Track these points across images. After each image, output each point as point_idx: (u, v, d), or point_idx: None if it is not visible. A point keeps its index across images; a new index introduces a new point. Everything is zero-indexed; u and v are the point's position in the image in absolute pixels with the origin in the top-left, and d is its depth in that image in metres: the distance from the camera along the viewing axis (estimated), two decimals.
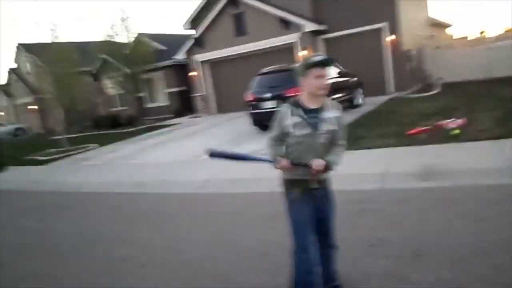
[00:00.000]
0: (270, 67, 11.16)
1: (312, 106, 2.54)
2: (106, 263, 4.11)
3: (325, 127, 2.52)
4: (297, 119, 2.51)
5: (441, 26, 21.85)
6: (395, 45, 14.39)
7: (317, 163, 2.47)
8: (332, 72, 11.61)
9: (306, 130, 2.50)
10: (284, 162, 2.51)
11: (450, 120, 7.94)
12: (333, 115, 2.56)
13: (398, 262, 3.19)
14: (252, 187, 5.95)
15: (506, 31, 35.63)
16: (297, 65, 2.55)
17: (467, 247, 3.24)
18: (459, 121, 7.75)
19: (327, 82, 2.50)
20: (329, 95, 2.50)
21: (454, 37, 23.29)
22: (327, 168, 2.52)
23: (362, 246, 3.56)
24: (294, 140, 2.56)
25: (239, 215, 4.88)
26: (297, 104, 2.55)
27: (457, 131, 7.15)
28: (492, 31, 44.35)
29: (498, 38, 17.99)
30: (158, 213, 5.60)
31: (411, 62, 14.85)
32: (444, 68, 16.60)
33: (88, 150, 13.18)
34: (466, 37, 20.31)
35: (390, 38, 14.33)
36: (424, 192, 4.75)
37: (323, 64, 2.48)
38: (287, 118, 2.52)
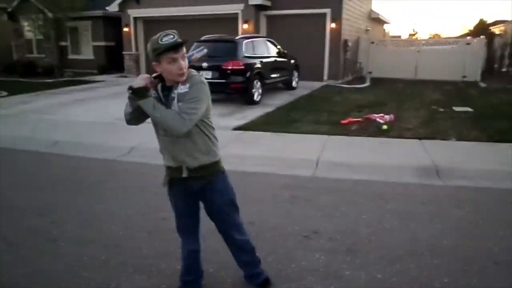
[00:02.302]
0: (209, 36, 10.66)
1: (170, 83, 2.20)
2: (10, 235, 3.58)
3: (174, 105, 2.16)
4: (155, 95, 2.21)
5: (380, 21, 22.60)
6: (335, 33, 14.54)
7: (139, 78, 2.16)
8: (272, 51, 11.45)
9: None
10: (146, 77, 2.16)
11: (380, 115, 8.20)
12: (182, 90, 2.16)
13: (331, 256, 3.11)
14: None
15: (432, 36, 38.14)
16: (147, 47, 2.17)
17: (399, 247, 3.25)
18: (388, 117, 8.03)
19: (184, 65, 2.13)
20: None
21: (390, 34, 24.29)
22: (140, 89, 2.10)
23: (295, 236, 3.44)
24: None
25: (165, 191, 4.48)
26: (160, 80, 2.23)
27: (386, 127, 7.37)
28: (423, 33, 47.00)
29: (427, 42, 18.97)
30: (75, 181, 5.04)
31: (346, 52, 15.14)
32: (375, 63, 17.25)
33: None
34: (400, 36, 21.22)
35: (331, 25, 14.43)
36: (355, 184, 4.77)
37: (177, 46, 2.09)
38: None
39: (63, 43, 19.76)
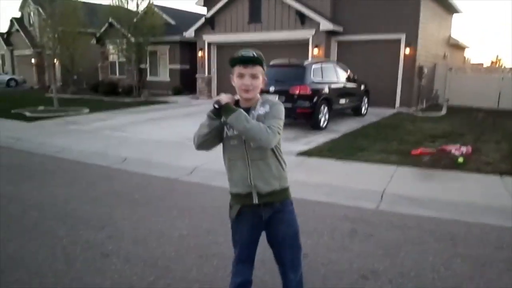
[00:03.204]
0: (278, 60, 10.71)
1: (245, 105, 2.14)
2: (66, 245, 3.71)
3: None
4: None
5: (460, 47, 21.46)
6: (409, 59, 13.99)
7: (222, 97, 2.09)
8: (341, 76, 11.22)
9: (234, 132, 2.13)
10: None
11: (456, 146, 7.60)
12: (261, 112, 2.12)
13: None
14: None
15: None
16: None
17: None
18: (464, 149, 7.40)
19: (249, 83, 2.07)
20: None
21: (471, 61, 22.94)
22: (226, 106, 2.03)
23: (351, 275, 3.18)
24: (227, 142, 2.19)
25: (221, 215, 4.45)
26: (236, 102, 2.16)
27: (462, 159, 6.80)
28: (508, 61, 43.79)
29: None
30: (135, 197, 5.17)
31: (422, 79, 14.46)
32: (453, 90, 16.29)
33: (79, 114, 12.70)
34: (482, 64, 19.91)
35: (406, 50, 13.92)
36: (422, 221, 4.38)
37: (246, 61, 2.07)
38: None
39: (142, 66, 21.05)
